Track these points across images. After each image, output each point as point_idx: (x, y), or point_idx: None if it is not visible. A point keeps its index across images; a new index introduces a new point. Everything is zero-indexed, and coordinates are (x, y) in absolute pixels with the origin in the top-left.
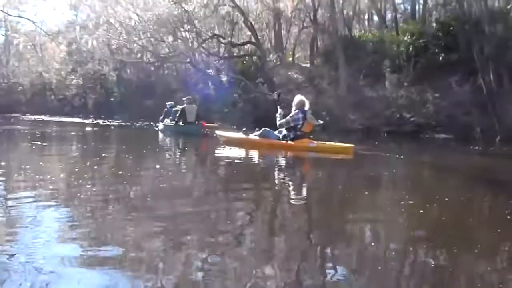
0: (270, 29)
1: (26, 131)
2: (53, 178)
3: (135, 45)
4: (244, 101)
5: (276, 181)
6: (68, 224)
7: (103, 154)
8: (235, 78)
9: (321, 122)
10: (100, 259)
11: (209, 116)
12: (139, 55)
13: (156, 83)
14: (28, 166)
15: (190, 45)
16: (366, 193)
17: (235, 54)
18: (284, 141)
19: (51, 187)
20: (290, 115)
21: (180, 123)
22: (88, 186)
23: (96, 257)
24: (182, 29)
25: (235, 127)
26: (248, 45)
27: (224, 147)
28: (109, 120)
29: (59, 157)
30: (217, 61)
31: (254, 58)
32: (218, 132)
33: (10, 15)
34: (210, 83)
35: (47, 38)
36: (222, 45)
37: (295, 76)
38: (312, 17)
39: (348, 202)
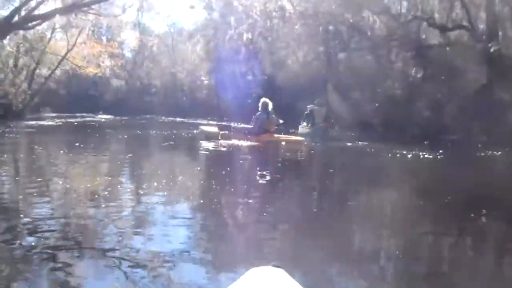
0: (477, 7)
1: (163, 134)
2: (185, 184)
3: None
4: (456, 101)
5: None
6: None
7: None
8: (436, 74)
9: (282, 121)
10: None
11: (396, 121)
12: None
13: (318, 81)
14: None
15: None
16: None
17: (435, 42)
18: (250, 136)
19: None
20: (256, 115)
21: (309, 125)
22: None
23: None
24: (366, 11)
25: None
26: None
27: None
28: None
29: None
30: (411, 52)
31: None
32: (201, 127)
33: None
34: (402, 80)
35: (181, 39)
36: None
37: None
38: None
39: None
